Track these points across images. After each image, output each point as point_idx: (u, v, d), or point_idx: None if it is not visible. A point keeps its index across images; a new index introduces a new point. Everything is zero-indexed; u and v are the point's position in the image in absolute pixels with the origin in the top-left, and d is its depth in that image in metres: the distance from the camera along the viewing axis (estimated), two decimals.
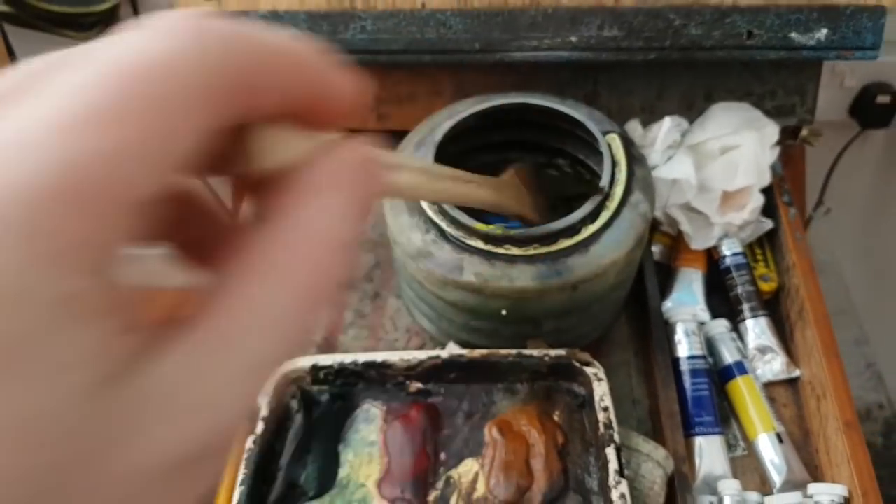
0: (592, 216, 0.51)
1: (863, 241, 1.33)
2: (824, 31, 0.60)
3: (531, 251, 0.50)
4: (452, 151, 0.60)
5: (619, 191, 0.53)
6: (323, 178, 0.16)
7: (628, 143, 0.56)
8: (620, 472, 0.48)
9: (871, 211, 1.27)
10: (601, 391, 0.52)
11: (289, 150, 0.16)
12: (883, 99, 1.08)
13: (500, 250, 0.50)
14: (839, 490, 0.50)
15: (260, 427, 0.52)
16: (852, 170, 1.16)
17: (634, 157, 0.55)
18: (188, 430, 0.14)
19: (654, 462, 0.51)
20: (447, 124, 0.56)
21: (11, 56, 0.94)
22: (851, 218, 1.28)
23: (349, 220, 0.16)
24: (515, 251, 0.50)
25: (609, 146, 0.55)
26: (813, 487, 0.51)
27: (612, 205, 0.52)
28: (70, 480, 0.13)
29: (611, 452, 0.49)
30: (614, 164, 0.54)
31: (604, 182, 0.52)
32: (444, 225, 0.51)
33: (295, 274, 0.15)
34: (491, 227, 0.50)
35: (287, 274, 0.15)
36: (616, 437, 0.49)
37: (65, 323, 0.12)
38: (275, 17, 0.58)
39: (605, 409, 0.51)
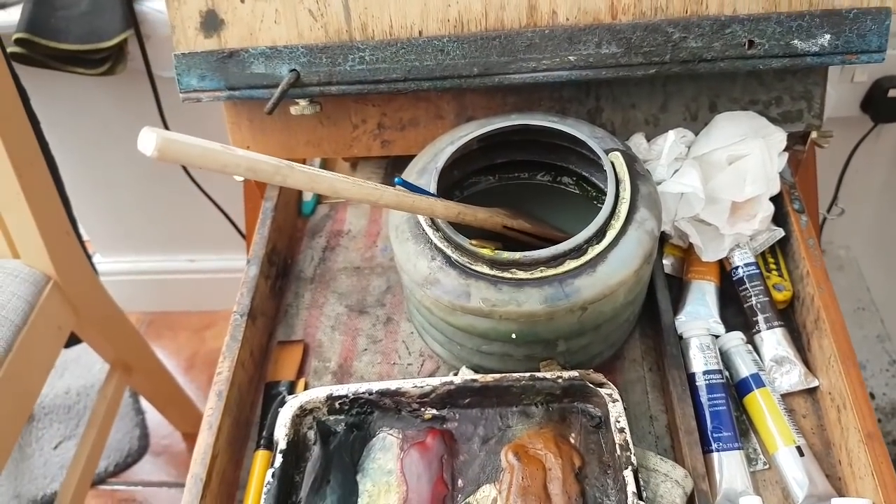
0: (598, 236, 0.51)
1: (880, 236, 1.31)
2: (827, 36, 0.59)
3: (538, 274, 0.50)
4: (457, 176, 0.60)
5: (623, 209, 0.52)
6: None
7: (631, 160, 0.56)
8: (639, 495, 0.47)
9: (888, 205, 1.25)
10: (616, 412, 0.52)
11: None
12: (895, 92, 1.06)
13: (507, 274, 0.50)
14: None
15: (279, 461, 0.52)
16: (867, 165, 1.15)
17: (639, 173, 0.55)
18: None
19: (673, 481, 0.51)
20: (449, 150, 0.56)
21: (23, 95, 0.96)
22: (868, 213, 1.26)
23: None
24: (522, 275, 0.50)
25: (612, 164, 0.55)
26: (836, 502, 0.50)
27: (618, 223, 0.52)
28: None
29: (628, 475, 0.48)
30: (618, 182, 0.54)
31: (608, 200, 0.52)
32: (449, 251, 0.51)
33: None
34: (496, 251, 0.50)
35: None
36: (633, 458, 0.49)
37: None
38: (274, 52, 0.59)
39: (622, 431, 0.51)
